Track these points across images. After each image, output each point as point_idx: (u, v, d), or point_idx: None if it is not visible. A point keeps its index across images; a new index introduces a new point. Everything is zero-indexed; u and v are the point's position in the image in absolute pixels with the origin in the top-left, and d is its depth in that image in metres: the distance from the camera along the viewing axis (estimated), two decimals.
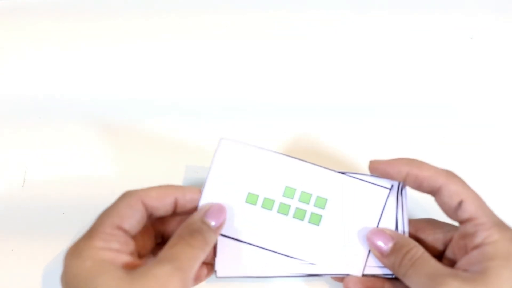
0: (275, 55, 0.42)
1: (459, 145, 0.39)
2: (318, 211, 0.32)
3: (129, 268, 0.26)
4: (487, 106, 0.40)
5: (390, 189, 0.32)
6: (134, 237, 0.29)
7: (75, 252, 0.26)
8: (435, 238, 0.31)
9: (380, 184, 0.32)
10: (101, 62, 0.42)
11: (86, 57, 0.43)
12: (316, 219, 0.32)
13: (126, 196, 0.29)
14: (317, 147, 0.39)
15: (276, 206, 0.32)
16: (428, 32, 0.43)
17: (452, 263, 0.29)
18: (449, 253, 0.30)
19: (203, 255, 0.28)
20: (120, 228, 0.28)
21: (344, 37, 0.43)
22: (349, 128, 0.39)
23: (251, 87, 0.41)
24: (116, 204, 0.29)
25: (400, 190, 0.32)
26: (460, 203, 0.28)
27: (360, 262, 0.31)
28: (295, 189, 0.32)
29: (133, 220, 0.28)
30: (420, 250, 0.29)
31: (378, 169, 0.31)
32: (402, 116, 0.40)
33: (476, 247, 0.27)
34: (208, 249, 0.29)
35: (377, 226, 0.32)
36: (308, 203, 0.32)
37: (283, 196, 0.32)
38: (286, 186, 0.32)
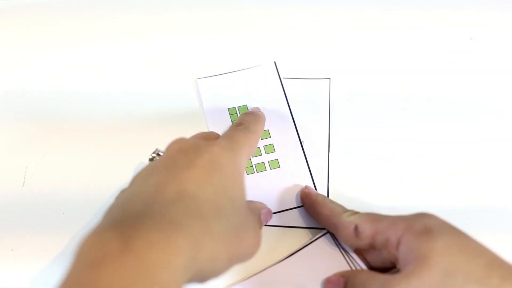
0: None
1: (458, 145, 0.39)
2: None
3: None
4: (487, 106, 0.40)
5: (328, 232, 0.33)
6: None
7: None
8: (380, 254, 0.31)
9: (320, 231, 0.34)
10: (110, 61, 0.43)
11: (92, 56, 0.43)
12: None
13: None
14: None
15: None
16: (428, 32, 0.43)
17: None
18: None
19: None
20: None
21: (340, 37, 0.43)
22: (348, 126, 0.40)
23: None
24: None
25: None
26: (356, 228, 0.30)
27: None
28: None
29: None
30: (365, 273, 0.30)
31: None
32: (401, 116, 0.40)
33: (394, 249, 0.28)
34: None
35: (348, 263, 0.32)
36: None
37: None
38: None
